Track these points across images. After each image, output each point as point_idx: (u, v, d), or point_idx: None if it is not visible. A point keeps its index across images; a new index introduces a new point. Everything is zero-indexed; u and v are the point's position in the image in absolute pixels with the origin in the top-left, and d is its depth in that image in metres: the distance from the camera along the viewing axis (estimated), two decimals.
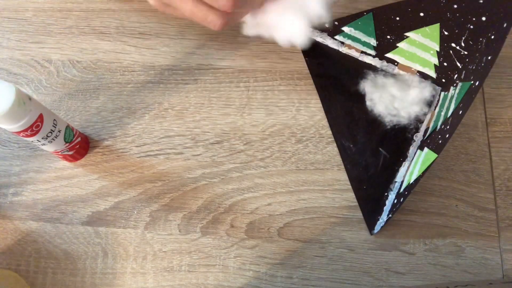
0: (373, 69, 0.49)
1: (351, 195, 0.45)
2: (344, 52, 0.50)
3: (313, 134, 0.48)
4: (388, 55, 0.48)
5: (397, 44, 0.47)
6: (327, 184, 0.46)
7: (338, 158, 0.47)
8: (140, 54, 0.51)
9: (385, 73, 0.48)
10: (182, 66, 0.51)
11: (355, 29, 0.48)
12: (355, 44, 0.49)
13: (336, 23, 0.49)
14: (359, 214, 0.45)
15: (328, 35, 0.50)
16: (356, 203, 0.45)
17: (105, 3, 0.53)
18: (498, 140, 0.47)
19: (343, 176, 0.46)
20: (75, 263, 0.44)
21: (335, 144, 0.47)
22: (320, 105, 0.49)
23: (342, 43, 0.50)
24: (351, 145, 0.47)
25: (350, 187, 0.46)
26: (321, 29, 0.50)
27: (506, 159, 0.46)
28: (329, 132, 0.48)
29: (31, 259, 0.44)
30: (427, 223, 0.44)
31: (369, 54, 0.49)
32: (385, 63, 0.49)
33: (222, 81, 0.50)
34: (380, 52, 0.49)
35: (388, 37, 0.47)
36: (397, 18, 0.45)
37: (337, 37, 0.50)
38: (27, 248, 0.45)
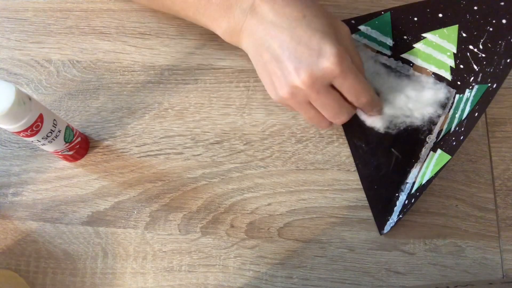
0: (388, 69, 0.49)
1: (351, 195, 0.46)
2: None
3: (313, 134, 0.48)
4: (404, 55, 0.48)
5: (413, 45, 0.47)
6: (327, 184, 0.46)
7: (338, 158, 0.47)
8: (140, 54, 0.51)
9: (400, 74, 0.48)
10: (182, 66, 0.51)
11: (372, 28, 0.48)
12: (371, 43, 0.49)
13: (352, 21, 0.48)
14: (359, 214, 0.45)
15: None
16: (356, 203, 0.45)
17: (105, 3, 0.53)
18: (498, 140, 0.47)
19: (343, 176, 0.46)
20: (75, 263, 0.44)
21: (335, 144, 0.47)
22: None
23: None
24: (363, 145, 0.46)
25: (350, 187, 0.46)
26: None
27: (506, 159, 0.46)
28: (329, 132, 0.48)
29: (31, 259, 0.44)
30: (427, 223, 0.44)
31: (385, 54, 0.49)
32: (400, 63, 0.48)
33: (222, 81, 0.50)
34: (396, 53, 0.48)
35: (405, 37, 0.47)
36: (415, 19, 0.45)
37: (353, 35, 0.49)
38: (27, 248, 0.45)
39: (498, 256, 0.43)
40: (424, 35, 0.46)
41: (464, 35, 0.44)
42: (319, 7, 0.41)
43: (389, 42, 0.48)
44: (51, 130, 0.41)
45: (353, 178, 0.46)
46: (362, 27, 0.48)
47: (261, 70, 0.42)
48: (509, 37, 0.41)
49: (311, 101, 0.41)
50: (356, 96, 0.41)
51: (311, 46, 0.38)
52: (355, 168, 0.46)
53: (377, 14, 0.47)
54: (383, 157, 0.46)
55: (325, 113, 0.42)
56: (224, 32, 0.43)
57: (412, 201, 0.42)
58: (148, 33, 0.52)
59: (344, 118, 0.42)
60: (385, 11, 0.46)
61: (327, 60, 0.38)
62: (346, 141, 0.47)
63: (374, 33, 0.48)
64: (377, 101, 0.44)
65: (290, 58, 0.39)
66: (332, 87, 0.40)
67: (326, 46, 0.38)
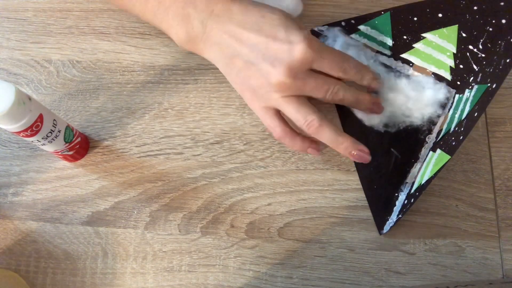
0: (388, 69, 0.49)
1: (351, 195, 0.46)
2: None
3: None
4: (404, 55, 0.48)
5: (413, 45, 0.47)
6: (327, 184, 0.46)
7: (338, 158, 0.47)
8: (140, 54, 0.51)
9: (400, 74, 0.48)
10: (182, 66, 0.51)
11: (372, 28, 0.48)
12: (370, 43, 0.49)
13: (352, 21, 0.48)
14: (359, 214, 0.45)
15: (344, 33, 0.50)
16: (356, 203, 0.45)
17: (105, 3, 0.53)
18: (498, 140, 0.47)
19: (343, 176, 0.46)
20: (75, 263, 0.44)
21: None
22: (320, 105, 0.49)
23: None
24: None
25: (350, 187, 0.46)
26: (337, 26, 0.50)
27: (506, 159, 0.46)
28: None
29: (31, 259, 0.44)
30: (427, 223, 0.44)
31: (384, 54, 0.49)
32: (400, 63, 0.48)
33: (222, 81, 0.50)
34: (396, 53, 0.48)
35: (405, 37, 0.47)
36: (415, 19, 0.45)
37: (353, 35, 0.49)
38: (27, 248, 0.45)
39: (498, 256, 0.43)
40: (424, 35, 0.46)
41: (464, 35, 0.44)
42: (268, 5, 0.42)
43: (389, 42, 0.48)
44: (51, 130, 0.41)
45: (353, 178, 0.46)
46: (362, 27, 0.48)
47: (236, 79, 0.42)
48: (508, 37, 0.41)
49: (300, 90, 0.41)
50: (341, 67, 0.41)
51: (280, 40, 0.39)
52: (355, 168, 0.46)
53: (377, 14, 0.47)
54: (382, 157, 0.46)
55: (320, 94, 0.41)
56: (181, 39, 0.43)
57: (412, 201, 0.42)
58: (148, 33, 0.52)
59: (341, 91, 0.42)
60: (385, 11, 0.46)
61: (299, 48, 0.39)
62: None
63: (374, 33, 0.48)
64: (365, 67, 0.44)
65: (264, 58, 0.40)
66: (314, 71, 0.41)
67: (293, 35, 0.39)
